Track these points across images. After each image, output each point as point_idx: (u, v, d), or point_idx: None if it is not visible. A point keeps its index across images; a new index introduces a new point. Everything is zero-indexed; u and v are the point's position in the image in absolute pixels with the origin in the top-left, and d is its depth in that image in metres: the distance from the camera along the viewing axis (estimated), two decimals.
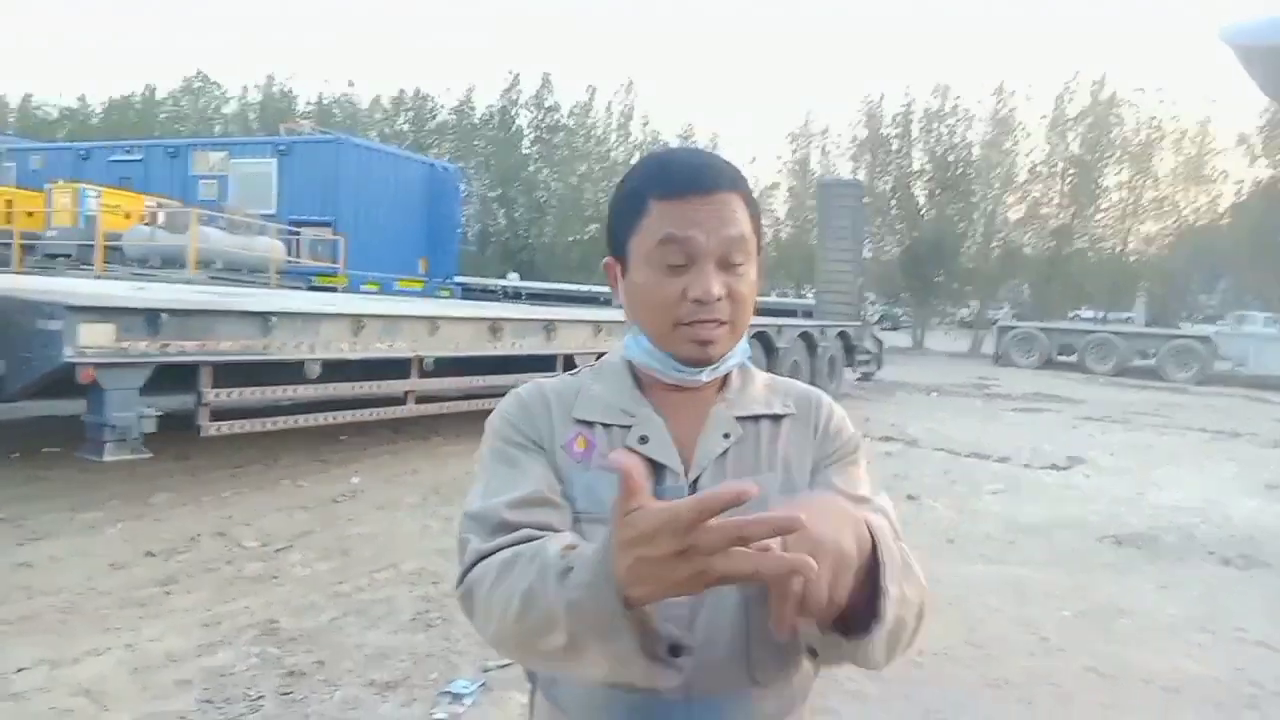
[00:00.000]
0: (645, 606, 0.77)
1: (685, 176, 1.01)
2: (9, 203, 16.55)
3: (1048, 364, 22.98)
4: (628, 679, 0.82)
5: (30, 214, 16.21)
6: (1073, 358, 22.99)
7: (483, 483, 1.02)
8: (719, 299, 0.99)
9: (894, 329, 32.51)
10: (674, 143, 36.58)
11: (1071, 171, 30.70)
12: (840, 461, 1.10)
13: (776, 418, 1.09)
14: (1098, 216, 31.50)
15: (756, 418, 1.08)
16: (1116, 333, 23.43)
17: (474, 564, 0.93)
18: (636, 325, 1.06)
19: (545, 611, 0.82)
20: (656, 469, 1.02)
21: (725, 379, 1.10)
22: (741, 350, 1.08)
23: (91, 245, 14.16)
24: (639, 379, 1.09)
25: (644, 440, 1.03)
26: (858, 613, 0.85)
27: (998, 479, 7.72)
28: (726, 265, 1.01)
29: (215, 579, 4.14)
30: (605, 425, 1.05)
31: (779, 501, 1.01)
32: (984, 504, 6.76)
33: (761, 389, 1.12)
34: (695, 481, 1.02)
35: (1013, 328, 24.70)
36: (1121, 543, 5.77)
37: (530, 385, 1.11)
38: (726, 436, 1.05)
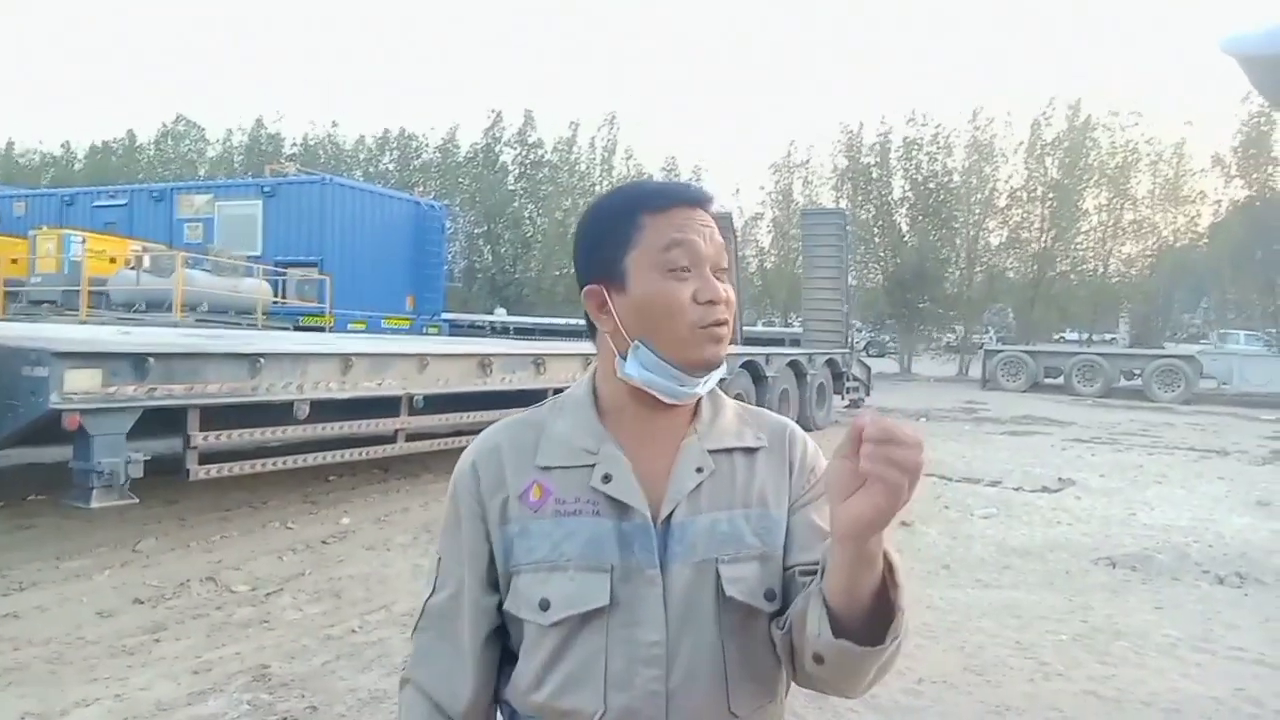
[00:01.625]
0: None
1: (673, 191, 1.08)
2: None
3: (1035, 386, 23.07)
4: None
5: (14, 261, 16.17)
6: (1059, 380, 23.10)
7: (438, 560, 1.12)
8: (725, 300, 1.04)
9: (881, 355, 32.67)
10: (658, 175, 36.90)
11: (1051, 196, 31.04)
12: (819, 499, 1.08)
13: (749, 450, 1.09)
14: (1078, 239, 31.86)
15: (729, 450, 1.08)
16: (1102, 354, 23.57)
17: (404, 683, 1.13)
18: (640, 341, 1.04)
19: None
20: (620, 507, 1.02)
21: (696, 407, 1.10)
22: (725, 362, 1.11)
23: (76, 291, 14.13)
24: (603, 410, 1.08)
25: (607, 479, 1.02)
26: (870, 625, 0.89)
27: (989, 503, 7.72)
28: (718, 273, 1.05)
29: (205, 625, 4.08)
30: (564, 468, 1.04)
31: (755, 538, 1.04)
32: (976, 528, 6.76)
33: (733, 419, 1.12)
34: (669, 518, 1.02)
35: (999, 351, 24.83)
36: (1115, 564, 5.77)
37: (486, 440, 1.11)
38: (699, 471, 1.05)
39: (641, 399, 1.05)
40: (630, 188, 1.12)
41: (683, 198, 1.06)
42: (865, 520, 0.83)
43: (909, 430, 0.81)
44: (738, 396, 7.92)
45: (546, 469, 1.04)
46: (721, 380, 1.10)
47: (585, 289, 1.09)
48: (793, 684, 1.09)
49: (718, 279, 1.05)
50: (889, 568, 0.89)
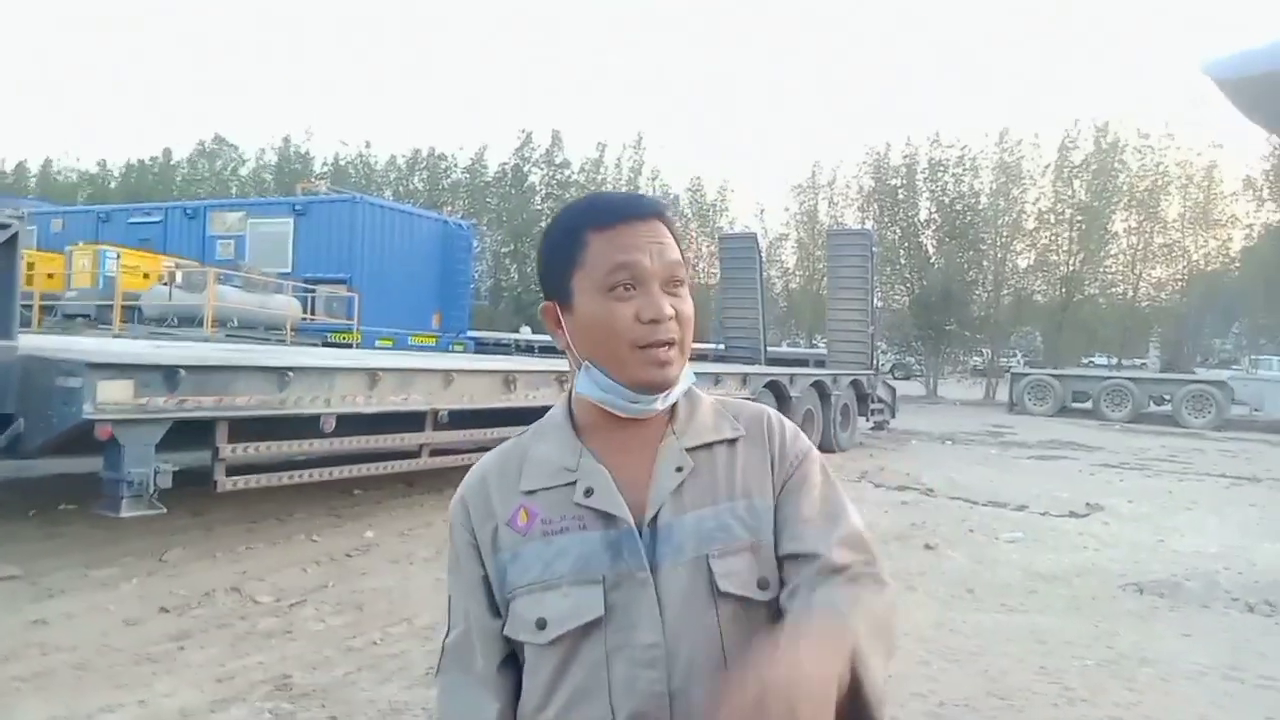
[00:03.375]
0: None
1: (617, 206, 1.06)
2: (30, 265, 16.81)
3: (1062, 411, 22.82)
4: None
5: (50, 276, 16.48)
6: (1087, 404, 22.84)
7: (450, 595, 1.14)
8: (670, 318, 1.02)
9: (907, 378, 32.44)
10: (684, 196, 37.04)
11: (1079, 218, 30.81)
12: (798, 488, 1.09)
13: (729, 442, 1.10)
14: (1107, 262, 31.56)
15: (709, 445, 1.08)
16: (1131, 379, 23.26)
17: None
18: (589, 361, 1.05)
19: None
20: (606, 517, 1.03)
21: (673, 409, 1.10)
22: (687, 375, 1.09)
23: (110, 305, 14.38)
24: (580, 428, 1.10)
25: (589, 493, 1.03)
26: None
27: (1016, 527, 7.63)
28: (669, 287, 1.04)
29: (229, 634, 4.13)
30: (547, 489, 1.06)
31: (744, 529, 1.04)
32: (1002, 552, 6.69)
33: (709, 414, 1.13)
34: (655, 518, 1.03)
35: (1026, 374, 24.58)
36: (1143, 590, 5.69)
37: (473, 474, 1.13)
38: (679, 470, 1.05)
39: (612, 411, 1.07)
40: (581, 203, 1.11)
41: (628, 212, 1.05)
42: None
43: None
44: None
45: (531, 493, 1.06)
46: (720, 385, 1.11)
47: (541, 306, 1.12)
48: None
49: (671, 293, 1.04)
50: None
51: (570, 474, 1.05)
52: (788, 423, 1.15)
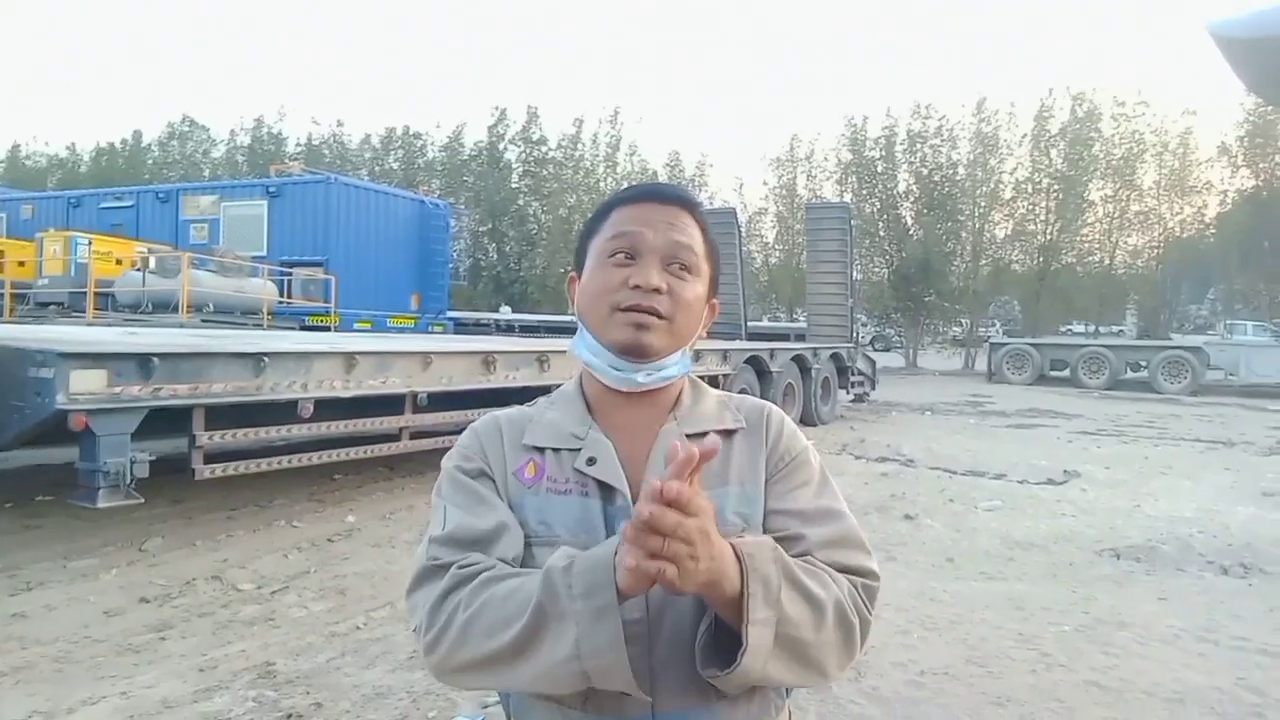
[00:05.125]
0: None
1: (646, 188, 1.13)
2: None
3: (1040, 379, 23.04)
4: (599, 672, 0.89)
5: (21, 263, 16.25)
6: (1065, 372, 23.05)
7: (443, 513, 1.06)
8: (657, 289, 1.05)
9: (887, 349, 32.61)
10: (662, 171, 36.89)
11: (1056, 187, 30.94)
12: (788, 477, 1.12)
13: (728, 432, 1.12)
14: (1084, 231, 31.73)
15: (707, 434, 1.09)
16: (1108, 346, 23.51)
17: (454, 585, 0.97)
18: (582, 323, 1.12)
19: (532, 602, 0.91)
20: (606, 489, 1.05)
21: (678, 398, 1.13)
22: (682, 361, 1.12)
23: (83, 293, 14.20)
24: (590, 401, 1.13)
25: (591, 462, 1.06)
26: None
27: (994, 496, 7.71)
28: (672, 266, 1.08)
29: (211, 623, 4.11)
30: (555, 450, 1.09)
31: (735, 515, 1.07)
32: (981, 521, 6.76)
33: (712, 405, 1.16)
34: None
35: (1005, 344, 24.78)
36: (1120, 555, 5.77)
37: (486, 417, 1.16)
38: None
39: (603, 381, 1.10)
40: (621, 189, 1.17)
41: (651, 194, 1.12)
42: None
43: (680, 499, 0.82)
44: (742, 390, 7.91)
45: (539, 449, 1.09)
46: (716, 380, 1.13)
47: (569, 276, 1.18)
48: None
49: (673, 272, 1.08)
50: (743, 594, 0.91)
51: (578, 440, 1.09)
52: (787, 419, 1.19)
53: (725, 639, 0.94)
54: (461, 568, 0.98)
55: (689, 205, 1.13)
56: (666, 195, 1.12)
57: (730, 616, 0.92)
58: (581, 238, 1.16)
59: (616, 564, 0.86)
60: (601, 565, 0.88)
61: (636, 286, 1.05)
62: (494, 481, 1.08)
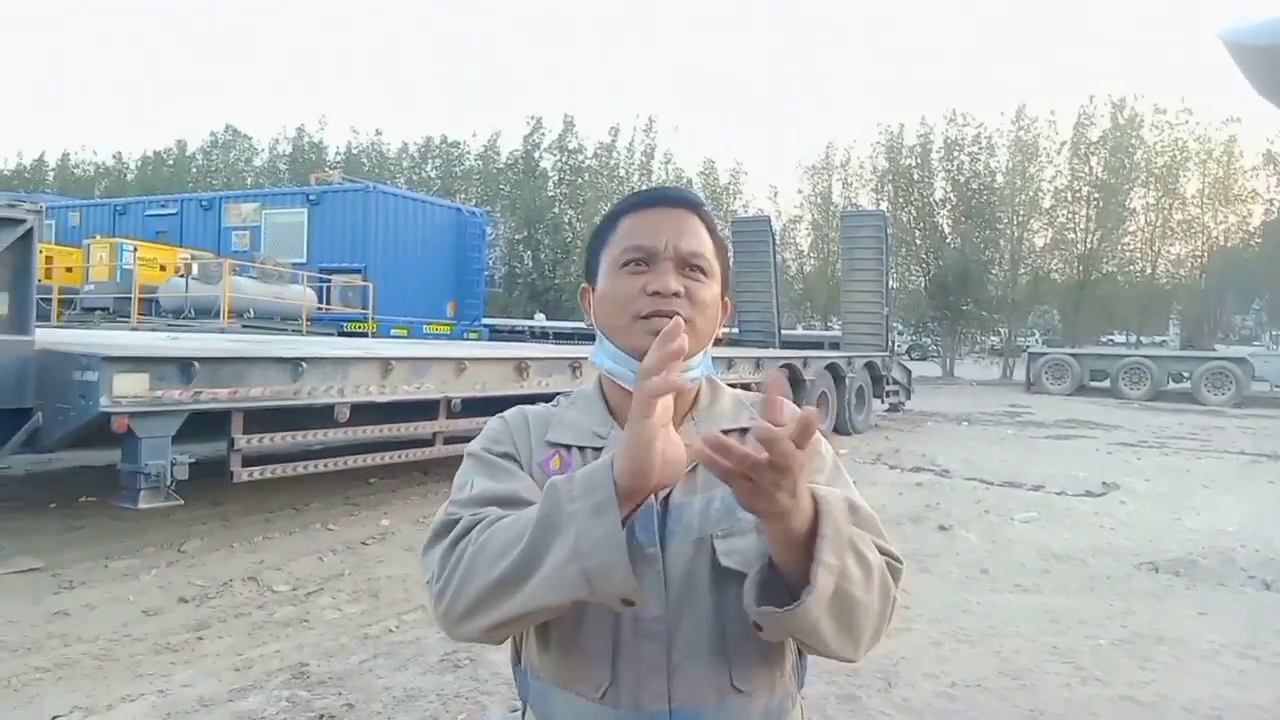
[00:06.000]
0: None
1: (651, 195, 1.13)
2: (48, 259, 16.98)
3: (1080, 390, 22.69)
4: (597, 571, 0.86)
5: (69, 269, 16.62)
6: (1105, 383, 22.69)
7: (468, 480, 1.06)
8: (675, 294, 1.06)
9: (923, 359, 32.31)
10: (696, 179, 36.91)
11: (1097, 195, 30.51)
12: (812, 475, 1.10)
13: (743, 431, 1.11)
14: (1125, 240, 31.28)
15: (724, 434, 1.10)
16: (1150, 356, 23.06)
17: (465, 530, 0.97)
18: (602, 333, 1.12)
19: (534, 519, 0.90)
20: None
21: (695, 398, 1.14)
22: (704, 362, 1.13)
23: (128, 298, 14.50)
24: (610, 404, 1.14)
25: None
26: (797, 586, 0.90)
27: (1031, 507, 7.61)
28: (686, 271, 1.08)
29: (246, 623, 4.18)
30: (579, 448, 1.10)
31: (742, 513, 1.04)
32: (1017, 532, 6.67)
33: (730, 404, 1.17)
34: (667, 498, 1.04)
35: (1044, 354, 24.44)
36: (1159, 569, 5.67)
37: (513, 409, 1.17)
38: None
39: (624, 386, 1.10)
40: (626, 196, 1.18)
41: (658, 199, 1.12)
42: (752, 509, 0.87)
43: (770, 432, 0.83)
44: None
45: (564, 445, 1.10)
46: (750, 388, 1.13)
47: (581, 288, 1.19)
48: (806, 671, 1.13)
49: (687, 276, 1.08)
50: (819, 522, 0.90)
51: (600, 439, 1.09)
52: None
53: (772, 591, 0.93)
54: (475, 516, 0.98)
55: (695, 206, 1.13)
56: (673, 199, 1.13)
57: (788, 560, 0.91)
58: (591, 248, 1.16)
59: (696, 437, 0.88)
60: (601, 467, 0.89)
61: (655, 293, 1.06)
62: (520, 466, 1.09)
